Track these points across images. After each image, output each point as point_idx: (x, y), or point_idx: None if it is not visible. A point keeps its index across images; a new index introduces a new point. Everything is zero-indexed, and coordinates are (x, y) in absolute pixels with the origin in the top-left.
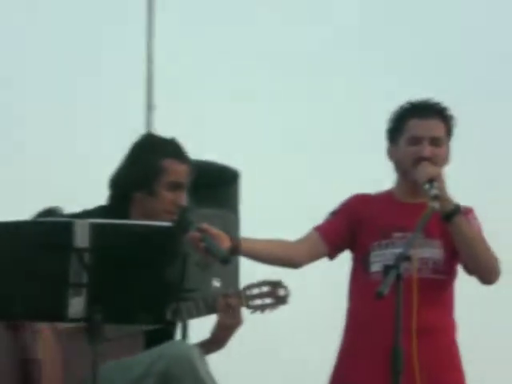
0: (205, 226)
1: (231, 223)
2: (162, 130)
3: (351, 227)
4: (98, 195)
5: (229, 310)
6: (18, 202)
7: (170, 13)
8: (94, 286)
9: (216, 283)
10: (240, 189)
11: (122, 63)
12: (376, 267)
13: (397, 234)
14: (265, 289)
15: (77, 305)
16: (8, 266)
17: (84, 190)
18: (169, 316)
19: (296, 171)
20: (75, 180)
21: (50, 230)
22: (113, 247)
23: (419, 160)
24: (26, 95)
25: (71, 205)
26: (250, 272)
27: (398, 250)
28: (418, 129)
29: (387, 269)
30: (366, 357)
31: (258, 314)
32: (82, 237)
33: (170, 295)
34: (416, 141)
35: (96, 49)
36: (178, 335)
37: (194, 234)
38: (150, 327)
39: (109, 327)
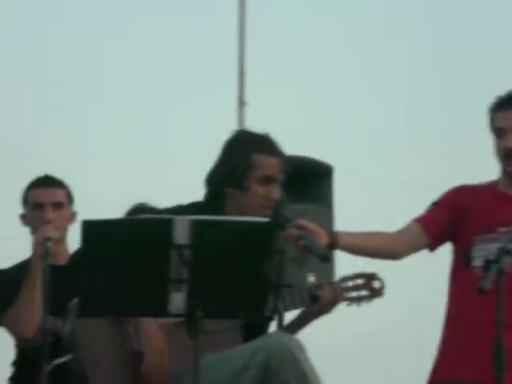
0: (302, 222)
1: (324, 218)
2: (254, 126)
3: (454, 219)
4: (186, 195)
5: (332, 303)
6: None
7: (262, 9)
8: (194, 282)
9: (311, 278)
10: (333, 184)
11: (214, 60)
12: (478, 262)
13: (501, 229)
14: (360, 281)
15: (177, 300)
16: (110, 263)
17: (174, 189)
18: (267, 312)
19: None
20: (168, 179)
21: (150, 227)
22: (212, 243)
23: (508, 153)
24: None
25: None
26: (345, 265)
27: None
28: (501, 121)
29: (488, 263)
30: (469, 352)
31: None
32: (181, 233)
33: (268, 291)
34: (501, 133)
35: (188, 46)
36: (274, 328)
37: (292, 231)
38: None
39: (208, 321)
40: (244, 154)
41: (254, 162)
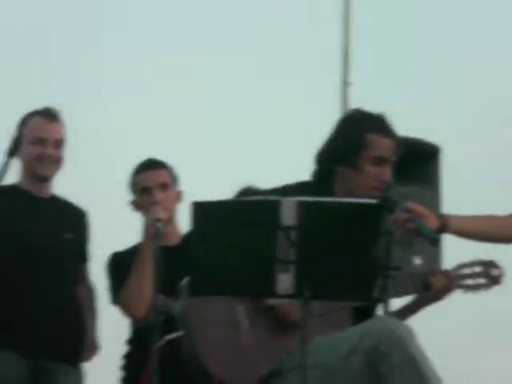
0: (411, 205)
1: (431, 201)
2: (358, 106)
3: None
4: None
5: (446, 291)
6: None
7: None
8: (302, 263)
9: (417, 261)
10: (441, 165)
11: (319, 41)
12: None
13: None
14: (477, 269)
15: (285, 281)
16: (219, 243)
17: (279, 170)
18: (376, 294)
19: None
20: (272, 160)
21: (258, 208)
22: (319, 225)
23: None
24: None
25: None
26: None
27: None
28: None
29: None
30: None
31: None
32: (288, 215)
33: (376, 273)
34: None
35: (292, 26)
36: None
37: (400, 214)
38: (356, 304)
39: (317, 303)
40: (359, 132)
41: (368, 141)
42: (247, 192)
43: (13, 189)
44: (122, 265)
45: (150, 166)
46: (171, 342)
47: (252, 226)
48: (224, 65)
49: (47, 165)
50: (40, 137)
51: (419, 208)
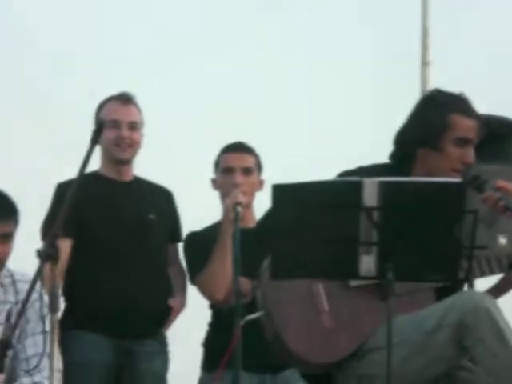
0: (502, 183)
1: None
2: (437, 86)
3: None
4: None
5: None
6: None
7: None
8: (384, 244)
9: (502, 240)
10: None
11: (398, 20)
12: None
13: None
14: None
15: (368, 262)
16: (300, 225)
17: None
18: (461, 274)
19: None
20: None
21: (339, 189)
22: (401, 205)
23: None
24: None
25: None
26: None
27: None
28: None
29: None
30: None
31: None
32: (370, 195)
33: (460, 253)
34: None
35: (370, 6)
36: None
37: (490, 193)
38: (440, 284)
39: (400, 283)
40: (441, 113)
41: (451, 122)
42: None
43: (94, 176)
44: (200, 244)
45: (238, 148)
46: (252, 322)
47: (333, 207)
48: (305, 48)
49: (123, 148)
50: (114, 119)
51: (509, 186)
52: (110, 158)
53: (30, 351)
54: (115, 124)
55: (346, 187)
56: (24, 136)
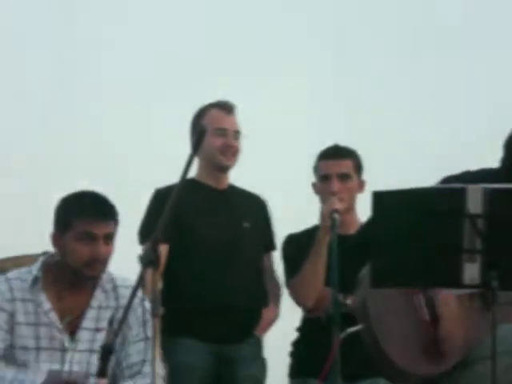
0: None
1: None
2: None
3: None
4: None
5: None
6: None
7: None
8: (489, 252)
9: None
10: None
11: None
12: None
13: None
14: None
15: (471, 271)
16: (402, 233)
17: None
18: None
19: None
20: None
21: (442, 196)
22: (507, 213)
23: None
24: None
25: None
26: None
27: None
28: None
29: None
30: None
31: None
32: (474, 202)
33: None
34: None
35: None
36: None
37: None
38: None
39: (503, 292)
40: None
41: None
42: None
43: (191, 182)
44: (296, 247)
45: (333, 154)
46: (352, 335)
47: (436, 214)
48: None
49: (229, 155)
50: (222, 127)
51: None
52: (212, 165)
53: (132, 358)
54: (222, 132)
55: (450, 194)
56: None
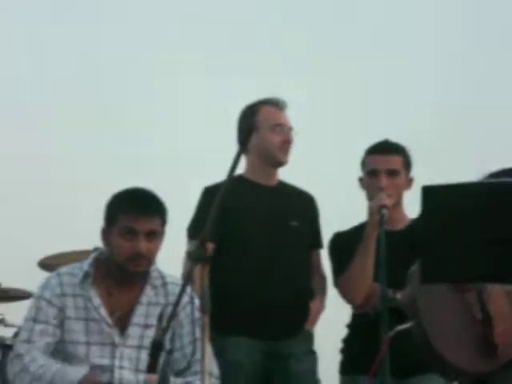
0: None
1: None
2: None
3: None
4: None
5: None
6: None
7: None
8: None
9: None
10: None
11: None
12: None
13: None
14: None
15: None
16: (454, 227)
17: None
18: None
19: None
20: None
21: (497, 191)
22: None
23: None
24: None
25: None
26: None
27: None
28: None
29: None
30: None
31: None
32: None
33: None
34: None
35: None
36: None
37: None
38: None
39: None
40: None
41: None
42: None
43: (239, 179)
44: (344, 245)
45: (383, 149)
46: (402, 333)
47: (490, 209)
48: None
49: (285, 152)
50: (280, 123)
51: None
52: (268, 162)
53: (182, 355)
54: (281, 128)
55: (505, 189)
56: None
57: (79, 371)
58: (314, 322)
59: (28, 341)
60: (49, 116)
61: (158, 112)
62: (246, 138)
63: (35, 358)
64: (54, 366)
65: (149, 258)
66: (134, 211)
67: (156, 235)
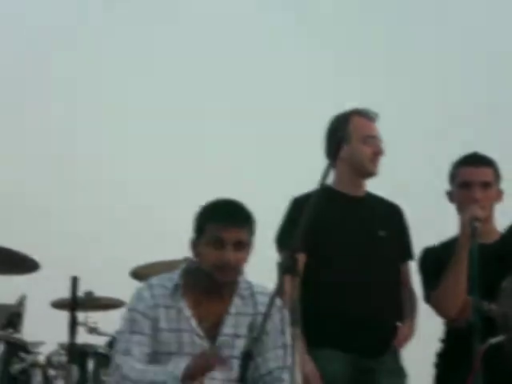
0: None
1: None
2: None
3: None
4: None
5: None
6: None
7: None
8: None
9: None
10: None
11: None
12: None
13: None
14: None
15: None
16: None
17: None
18: None
19: None
20: None
21: None
22: None
23: None
24: None
25: None
26: None
27: None
28: None
29: None
30: None
31: None
32: None
33: None
34: None
35: None
36: None
37: None
38: None
39: None
40: None
41: None
42: None
43: (328, 190)
44: (434, 260)
45: (476, 161)
46: (494, 346)
47: None
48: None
49: (376, 163)
50: (371, 135)
51: None
52: (359, 172)
53: (271, 364)
54: (372, 140)
55: None
56: None
57: (180, 363)
58: (401, 345)
59: (125, 352)
60: None
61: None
62: (337, 149)
63: (133, 366)
64: (153, 368)
65: (236, 268)
66: (223, 221)
67: (244, 245)
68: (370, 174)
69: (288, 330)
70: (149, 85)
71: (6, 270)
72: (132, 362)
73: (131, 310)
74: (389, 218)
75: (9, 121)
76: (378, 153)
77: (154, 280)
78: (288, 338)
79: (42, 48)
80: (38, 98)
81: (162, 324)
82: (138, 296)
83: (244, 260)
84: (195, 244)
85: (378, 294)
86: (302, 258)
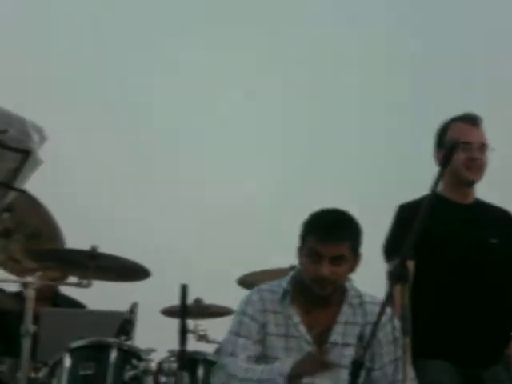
0: None
1: None
2: None
3: None
4: None
5: None
6: None
7: None
8: None
9: None
10: None
11: None
12: None
13: None
14: None
15: None
16: None
17: None
18: None
19: None
20: None
21: None
22: None
23: None
24: None
25: None
26: None
27: None
28: None
29: None
30: None
31: None
32: None
33: None
34: None
35: None
36: None
37: None
38: None
39: None
40: None
41: None
42: None
43: (436, 198)
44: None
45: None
46: None
47: None
48: None
49: (474, 169)
50: (465, 141)
51: None
52: (457, 180)
53: (383, 376)
54: (466, 146)
55: None
56: None
57: (287, 362)
58: None
59: (232, 354)
60: None
61: None
62: (447, 157)
63: (240, 365)
64: (260, 366)
65: (333, 281)
66: (321, 235)
67: (343, 259)
68: (466, 181)
69: (400, 341)
70: None
71: (119, 278)
72: (239, 362)
73: (240, 312)
74: (500, 224)
75: None
76: (471, 159)
77: (264, 285)
78: (399, 350)
79: None
80: None
81: (271, 329)
82: (248, 299)
83: (344, 273)
84: (299, 253)
85: (489, 302)
86: (411, 265)
